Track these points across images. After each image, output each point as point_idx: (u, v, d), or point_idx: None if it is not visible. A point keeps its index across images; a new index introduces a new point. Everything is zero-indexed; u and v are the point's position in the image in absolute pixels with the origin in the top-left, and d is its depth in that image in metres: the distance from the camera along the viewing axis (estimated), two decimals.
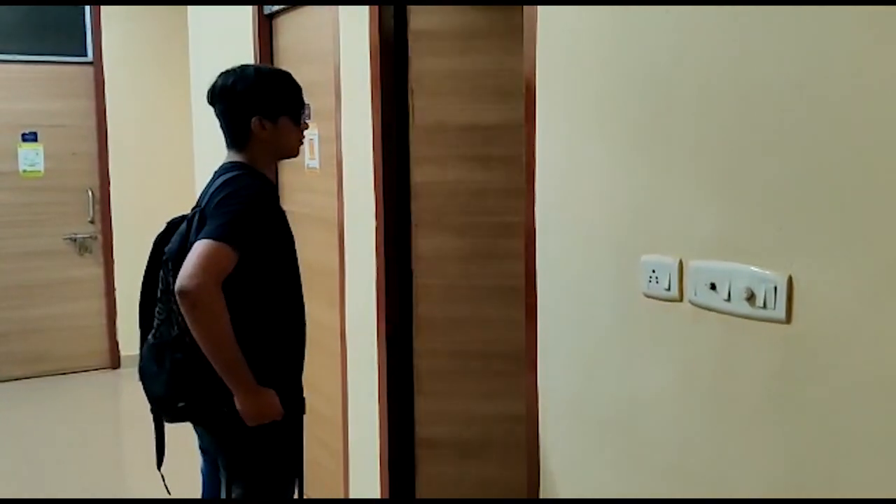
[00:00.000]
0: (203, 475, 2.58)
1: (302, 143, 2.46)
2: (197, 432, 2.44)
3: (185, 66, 5.67)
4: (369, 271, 3.02)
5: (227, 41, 4.54)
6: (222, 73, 2.37)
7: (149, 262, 2.33)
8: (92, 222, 6.29)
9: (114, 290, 6.34)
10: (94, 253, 6.33)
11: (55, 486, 4.28)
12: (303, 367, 2.43)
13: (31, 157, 6.08)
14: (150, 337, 2.28)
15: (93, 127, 6.24)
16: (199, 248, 2.06)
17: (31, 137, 6.06)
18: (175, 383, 2.19)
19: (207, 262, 2.04)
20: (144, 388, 2.29)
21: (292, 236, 2.38)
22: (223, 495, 2.35)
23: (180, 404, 2.21)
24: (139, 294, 2.34)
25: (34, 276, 6.15)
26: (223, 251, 2.07)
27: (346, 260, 3.23)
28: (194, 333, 2.09)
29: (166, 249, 2.23)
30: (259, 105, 2.30)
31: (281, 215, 2.32)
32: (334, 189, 3.25)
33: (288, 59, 3.77)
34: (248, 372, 2.16)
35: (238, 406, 2.18)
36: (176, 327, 2.17)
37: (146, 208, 6.37)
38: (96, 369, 6.38)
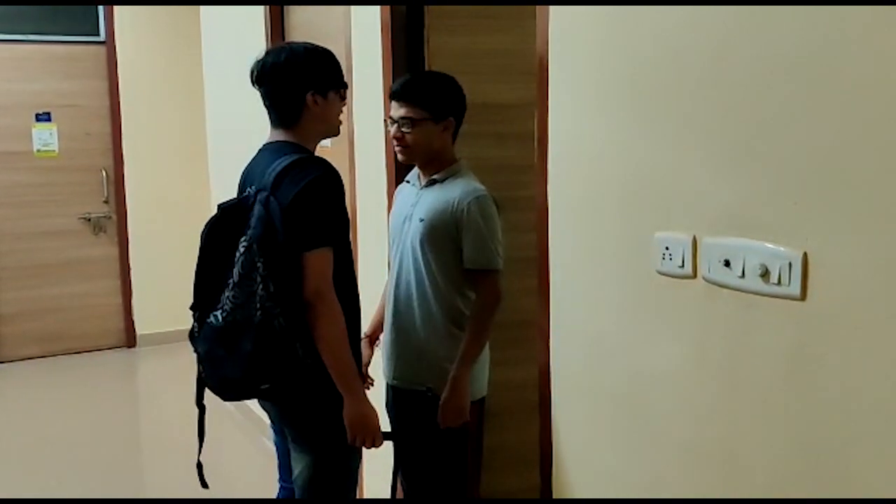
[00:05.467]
0: (276, 445, 2.63)
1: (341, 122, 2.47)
2: (264, 407, 2.48)
3: (197, 46, 5.66)
4: (382, 251, 3.01)
5: (239, 20, 4.54)
6: (268, 52, 2.37)
7: (205, 248, 2.23)
8: (106, 202, 6.32)
9: (129, 269, 6.39)
10: (108, 232, 6.36)
11: (71, 465, 4.32)
12: (360, 344, 2.51)
13: (45, 138, 6.10)
14: (214, 320, 2.17)
15: (106, 107, 6.25)
16: (312, 261, 2.17)
17: (44, 118, 6.09)
18: (258, 365, 2.14)
19: (325, 275, 2.19)
20: (207, 373, 2.23)
21: (349, 219, 2.40)
22: (294, 466, 2.39)
23: (264, 386, 2.21)
24: (194, 278, 2.24)
25: (49, 255, 6.19)
26: (328, 256, 2.21)
27: (359, 238, 3.22)
28: (321, 341, 2.19)
29: (250, 234, 2.13)
30: (312, 79, 2.31)
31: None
32: (346, 167, 3.24)
33: (299, 37, 3.76)
34: (360, 380, 2.28)
35: (345, 411, 2.25)
36: (259, 312, 2.11)
37: (160, 187, 6.39)
38: (112, 348, 6.43)
